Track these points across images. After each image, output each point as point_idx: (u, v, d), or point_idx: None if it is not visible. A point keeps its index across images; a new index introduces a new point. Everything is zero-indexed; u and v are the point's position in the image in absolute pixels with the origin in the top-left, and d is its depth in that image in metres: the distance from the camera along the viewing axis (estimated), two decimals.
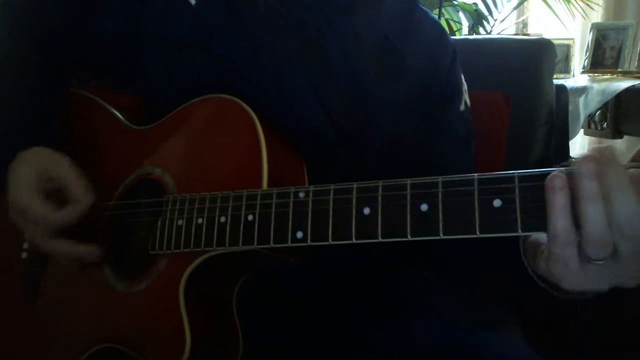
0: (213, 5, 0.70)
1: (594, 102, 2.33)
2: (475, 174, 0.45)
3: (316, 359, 0.71)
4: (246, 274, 0.65)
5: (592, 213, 0.40)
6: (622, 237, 0.40)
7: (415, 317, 0.73)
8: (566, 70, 2.85)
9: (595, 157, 0.40)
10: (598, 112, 2.51)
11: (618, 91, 2.32)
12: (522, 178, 0.43)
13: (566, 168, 0.42)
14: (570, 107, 2.07)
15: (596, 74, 2.64)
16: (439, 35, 0.78)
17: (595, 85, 2.36)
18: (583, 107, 2.28)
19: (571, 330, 0.89)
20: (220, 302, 0.65)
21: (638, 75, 2.52)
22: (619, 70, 2.62)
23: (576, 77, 2.76)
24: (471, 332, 0.68)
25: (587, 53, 2.75)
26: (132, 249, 0.68)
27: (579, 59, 3.06)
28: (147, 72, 0.75)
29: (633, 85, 2.33)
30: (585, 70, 2.73)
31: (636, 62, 2.65)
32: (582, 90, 2.32)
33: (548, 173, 0.42)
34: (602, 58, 2.70)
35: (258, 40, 0.68)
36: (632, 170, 0.40)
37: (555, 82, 1.25)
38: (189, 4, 0.71)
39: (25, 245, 0.75)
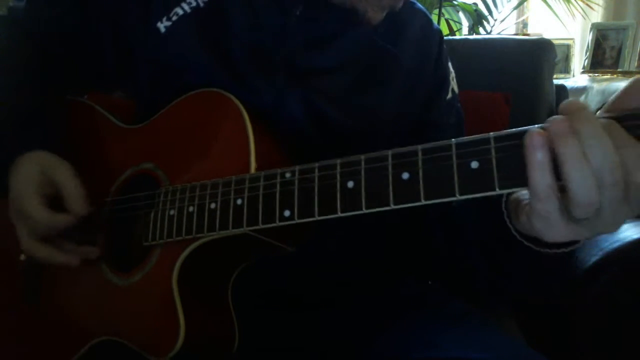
0: (182, 33, 0.71)
1: (594, 102, 2.33)
2: (453, 140, 0.46)
3: (313, 354, 0.71)
4: (241, 264, 0.66)
5: (577, 173, 0.40)
6: (604, 188, 0.40)
7: (413, 320, 0.73)
8: (566, 70, 2.86)
9: (567, 112, 0.41)
10: (598, 112, 2.51)
11: (618, 91, 2.32)
12: (497, 139, 0.44)
13: (544, 124, 0.42)
14: None
15: (596, 74, 2.64)
16: (424, 24, 0.77)
17: (595, 85, 2.36)
18: None
19: (571, 330, 0.90)
20: (215, 293, 0.65)
21: (638, 75, 2.52)
22: (619, 70, 2.62)
23: (576, 77, 2.77)
24: (470, 332, 0.68)
25: (587, 53, 2.75)
26: (127, 243, 0.69)
27: (579, 59, 3.06)
28: (138, 81, 0.76)
29: None
30: (585, 70, 2.73)
31: (636, 62, 2.65)
32: (582, 90, 2.32)
33: (522, 132, 0.43)
34: (602, 58, 2.70)
35: (240, 66, 0.69)
36: (603, 120, 0.41)
37: (555, 82, 1.25)
38: (159, 30, 0.71)
39: None
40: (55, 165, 0.67)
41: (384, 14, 0.68)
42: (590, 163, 0.40)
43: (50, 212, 0.65)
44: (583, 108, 0.41)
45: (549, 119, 0.42)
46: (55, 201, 0.66)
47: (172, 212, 0.62)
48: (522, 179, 0.43)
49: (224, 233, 0.58)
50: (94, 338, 0.67)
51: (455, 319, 0.70)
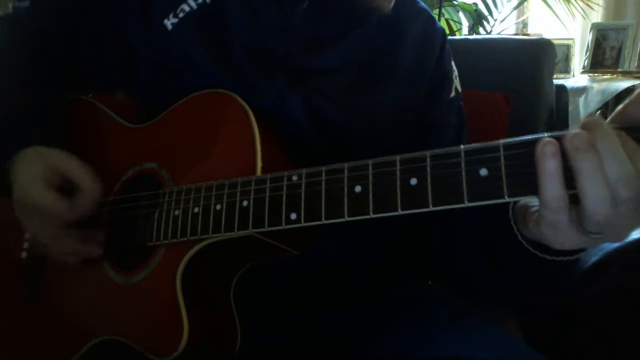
0: (187, 31, 0.71)
1: (594, 102, 2.33)
2: (462, 146, 0.46)
3: (314, 354, 0.71)
4: (245, 266, 0.66)
5: (593, 188, 0.39)
6: (620, 203, 0.40)
7: (413, 319, 0.73)
8: (566, 70, 2.86)
9: (586, 127, 0.40)
10: (598, 112, 2.52)
11: (618, 91, 2.32)
12: (506, 146, 0.44)
13: (556, 133, 0.42)
14: (570, 107, 2.07)
15: (596, 74, 2.64)
16: (427, 23, 0.77)
17: (595, 85, 2.36)
18: (583, 107, 2.28)
19: (571, 330, 0.90)
20: (218, 293, 0.65)
21: (638, 75, 2.53)
22: (619, 70, 2.62)
23: (576, 77, 2.77)
24: (470, 331, 0.68)
25: (587, 53, 2.75)
26: (130, 243, 0.69)
27: (579, 59, 3.06)
28: (137, 82, 0.76)
29: (633, 85, 2.33)
30: (585, 70, 2.73)
31: (636, 62, 2.66)
32: (582, 90, 2.32)
33: (532, 141, 0.42)
34: (602, 58, 2.71)
35: (240, 66, 0.69)
36: (616, 132, 0.40)
37: (555, 82, 1.25)
38: (166, 27, 0.71)
39: (25, 245, 0.75)
40: (59, 155, 0.66)
41: (392, 3, 0.67)
42: (607, 178, 0.39)
43: (65, 197, 0.64)
44: (602, 124, 0.40)
45: (566, 132, 0.41)
46: (64, 189, 0.65)
47: (176, 213, 0.62)
48: (531, 187, 0.42)
49: (229, 234, 0.57)
50: (95, 337, 0.66)
51: (455, 318, 0.70)
